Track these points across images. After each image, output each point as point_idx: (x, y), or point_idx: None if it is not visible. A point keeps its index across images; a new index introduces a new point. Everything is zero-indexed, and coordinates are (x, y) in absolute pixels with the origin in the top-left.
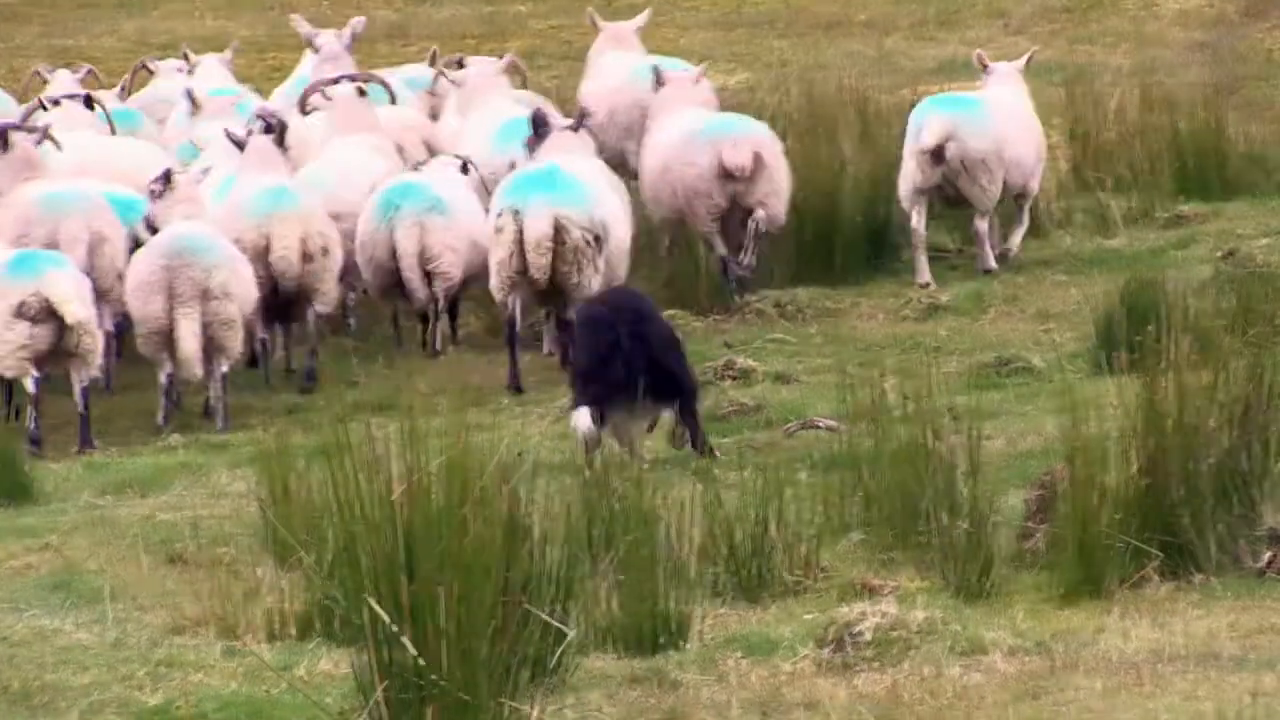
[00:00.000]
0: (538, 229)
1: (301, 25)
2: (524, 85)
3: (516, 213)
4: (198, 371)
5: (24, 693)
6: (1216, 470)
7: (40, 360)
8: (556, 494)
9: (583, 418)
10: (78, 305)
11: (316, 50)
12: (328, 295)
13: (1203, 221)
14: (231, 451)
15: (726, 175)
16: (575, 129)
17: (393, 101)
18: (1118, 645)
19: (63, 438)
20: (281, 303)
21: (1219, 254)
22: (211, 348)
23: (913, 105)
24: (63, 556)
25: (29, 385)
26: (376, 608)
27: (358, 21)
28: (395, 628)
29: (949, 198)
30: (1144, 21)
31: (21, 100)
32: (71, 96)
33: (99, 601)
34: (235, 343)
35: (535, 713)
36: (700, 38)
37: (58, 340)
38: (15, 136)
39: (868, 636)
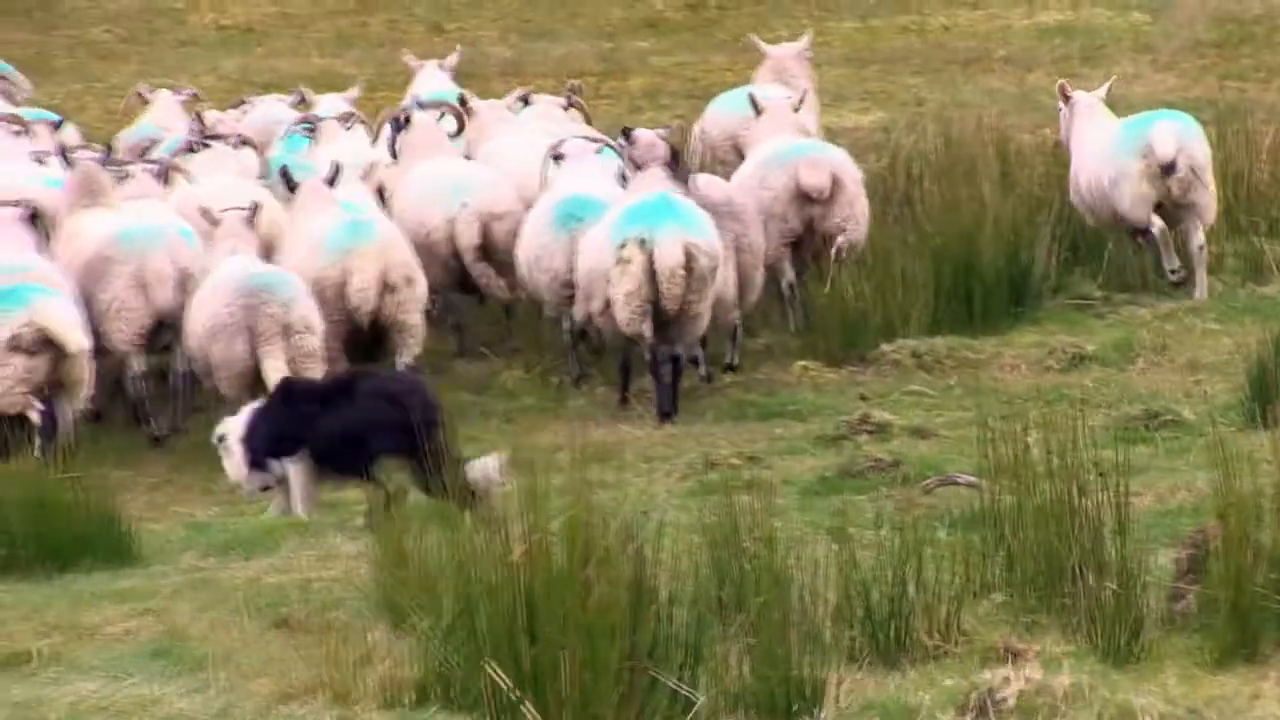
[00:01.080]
0: (672, 257)
1: (411, 60)
2: (588, 121)
3: (644, 242)
4: None
5: None
6: None
7: (38, 391)
8: (684, 553)
9: None
10: (79, 333)
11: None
12: (414, 330)
13: None
14: (341, 510)
15: (803, 197)
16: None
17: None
18: (1274, 713)
19: (163, 497)
20: (365, 342)
21: None
22: None
23: (1056, 143)
24: (164, 621)
25: (34, 418)
26: (497, 673)
27: (453, 56)
28: (516, 694)
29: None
30: None
31: (121, 124)
32: (215, 138)
33: (202, 669)
34: (319, 375)
35: None
36: (832, 75)
37: (54, 370)
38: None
39: (1011, 703)
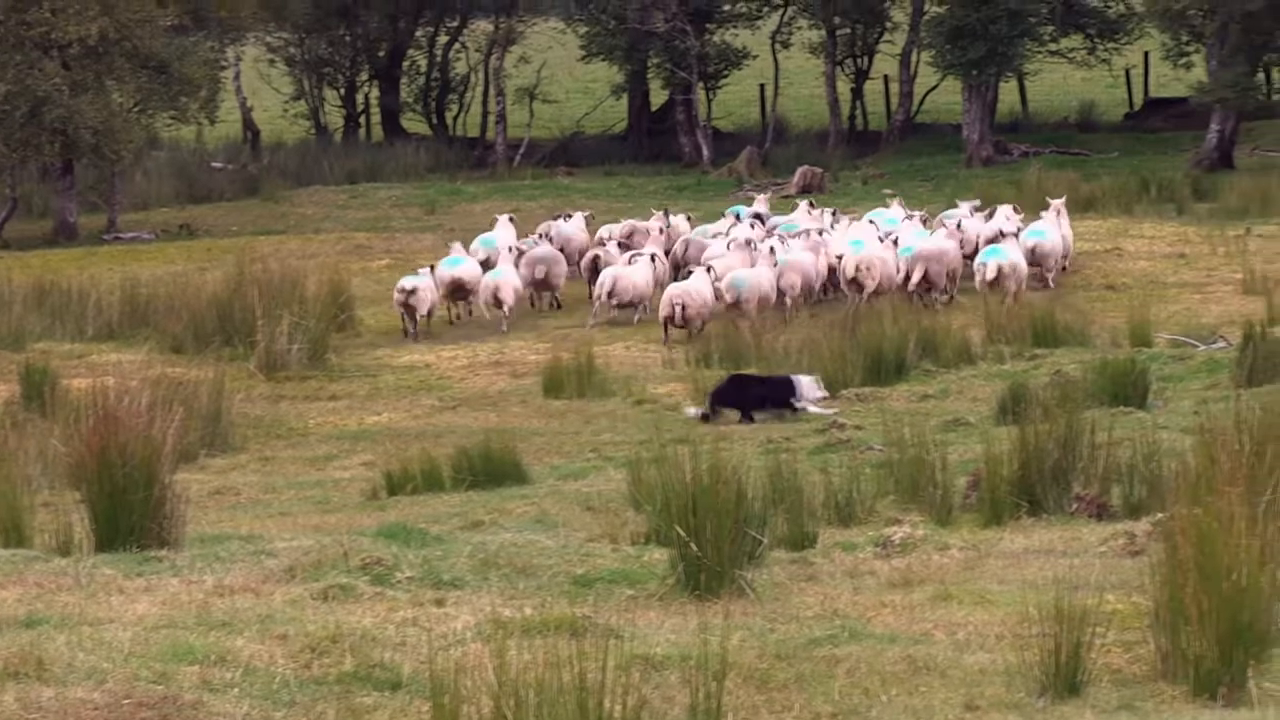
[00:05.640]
0: None
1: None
2: None
3: None
4: None
5: None
6: None
7: None
8: (756, 480)
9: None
10: None
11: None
12: None
13: None
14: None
15: None
16: None
17: None
18: (1009, 542)
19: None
20: None
21: None
22: None
23: None
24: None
25: None
26: (679, 531)
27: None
28: (686, 539)
29: None
30: None
31: None
32: None
33: (556, 528)
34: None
35: None
36: None
37: None
38: None
39: (897, 541)
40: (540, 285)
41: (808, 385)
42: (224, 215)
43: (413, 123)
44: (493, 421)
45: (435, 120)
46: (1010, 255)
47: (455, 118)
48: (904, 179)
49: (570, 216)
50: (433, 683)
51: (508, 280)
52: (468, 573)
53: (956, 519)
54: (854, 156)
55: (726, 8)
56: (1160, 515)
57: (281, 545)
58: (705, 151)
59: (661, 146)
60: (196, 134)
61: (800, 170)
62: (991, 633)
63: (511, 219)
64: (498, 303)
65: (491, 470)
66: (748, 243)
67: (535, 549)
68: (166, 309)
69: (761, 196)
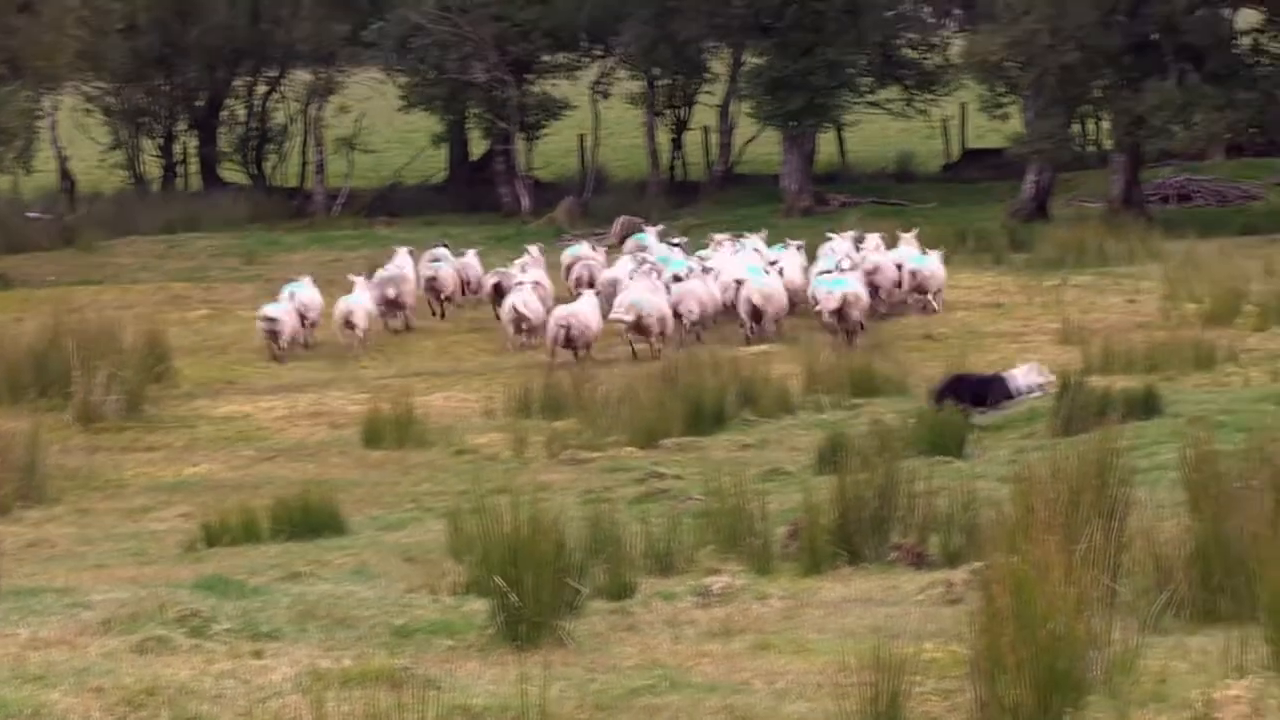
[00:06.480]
0: None
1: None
2: None
3: None
4: None
5: None
6: None
7: None
8: (572, 521)
9: None
10: None
11: None
12: None
13: None
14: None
15: None
16: None
17: None
18: (828, 591)
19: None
20: None
21: None
22: None
23: None
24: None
25: None
26: (500, 581)
27: None
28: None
29: None
30: None
31: None
32: None
33: (377, 577)
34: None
35: None
36: None
37: None
38: None
39: (717, 591)
40: (391, 305)
41: (1023, 376)
42: (40, 265)
43: (232, 172)
44: (311, 472)
45: (254, 170)
46: (853, 286)
47: (274, 167)
48: (724, 229)
49: (464, 253)
50: None
51: (360, 304)
52: (286, 624)
53: (776, 568)
54: (674, 206)
55: (545, 58)
56: (978, 564)
57: (97, 597)
58: (525, 201)
59: (481, 196)
60: (12, 183)
61: (620, 220)
62: (811, 681)
63: (411, 252)
64: (350, 326)
65: (310, 521)
66: (651, 269)
67: (354, 600)
68: None
69: (651, 229)
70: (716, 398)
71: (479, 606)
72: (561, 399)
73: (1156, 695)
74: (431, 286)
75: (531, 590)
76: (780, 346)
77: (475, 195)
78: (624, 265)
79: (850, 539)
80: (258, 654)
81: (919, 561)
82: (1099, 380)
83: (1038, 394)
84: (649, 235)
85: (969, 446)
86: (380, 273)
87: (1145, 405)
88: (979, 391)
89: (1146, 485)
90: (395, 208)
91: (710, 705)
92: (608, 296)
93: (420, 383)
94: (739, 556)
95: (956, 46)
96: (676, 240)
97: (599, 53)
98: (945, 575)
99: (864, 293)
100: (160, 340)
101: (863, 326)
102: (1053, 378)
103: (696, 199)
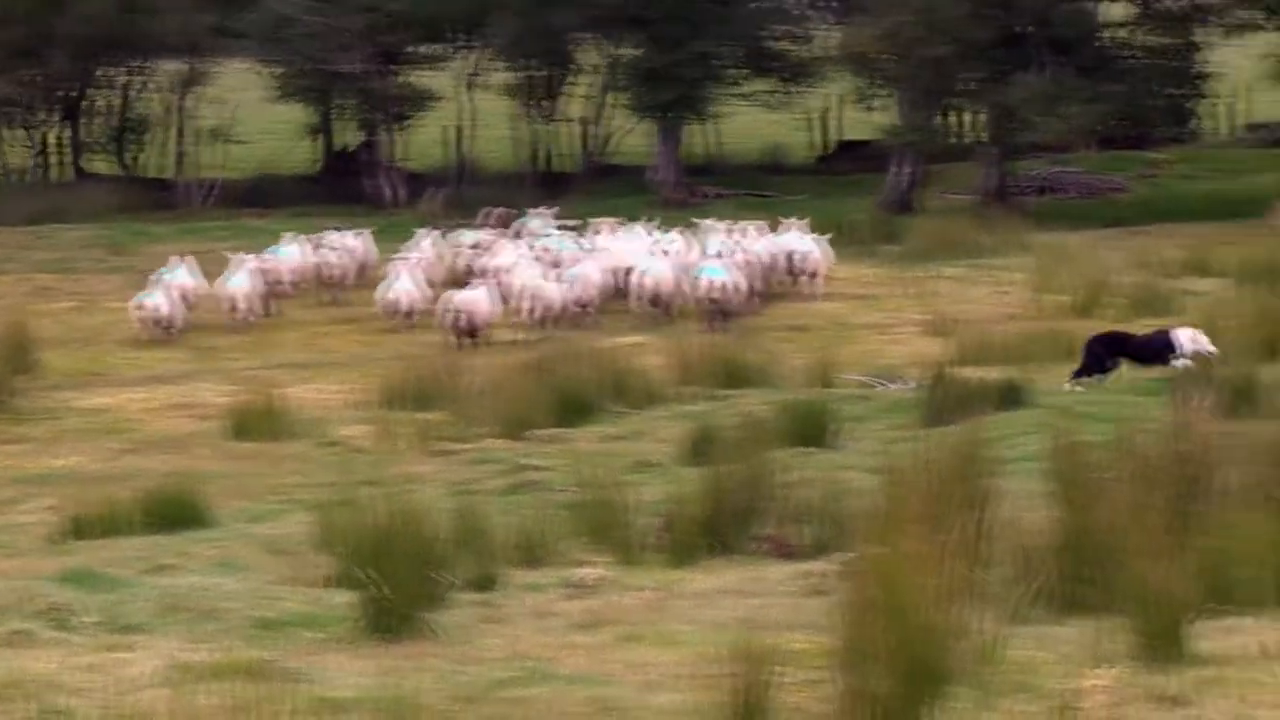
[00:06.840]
0: None
1: None
2: None
3: None
4: None
5: None
6: None
7: None
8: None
9: None
10: None
11: None
12: None
13: None
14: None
15: None
16: None
17: None
18: (691, 585)
19: None
20: None
21: None
22: None
23: None
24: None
25: None
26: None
27: None
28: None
29: None
30: None
31: None
32: None
33: (249, 569)
34: None
35: None
36: None
37: None
38: None
39: (590, 582)
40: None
41: (1187, 339)
42: None
43: (101, 163)
44: (178, 465)
45: (123, 161)
46: (729, 274)
47: (144, 159)
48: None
49: (361, 234)
50: None
51: (241, 288)
52: (151, 617)
53: (645, 560)
54: (546, 198)
55: (410, 49)
56: (846, 554)
57: None
58: (396, 192)
59: (352, 187)
60: None
61: (492, 211)
62: (678, 673)
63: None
64: (234, 309)
65: (177, 514)
66: (545, 254)
67: (220, 593)
68: None
69: (543, 210)
70: (586, 389)
71: (346, 599)
72: (431, 390)
73: (1021, 685)
74: (325, 272)
75: (399, 583)
76: (652, 337)
77: (346, 187)
78: (513, 251)
79: (719, 530)
80: (122, 647)
81: (787, 553)
82: (968, 371)
83: (1202, 357)
84: (537, 220)
85: (838, 438)
86: (261, 259)
87: (1012, 396)
88: (1143, 349)
89: (1014, 476)
90: (266, 199)
91: (577, 697)
92: (499, 283)
93: (288, 374)
94: (608, 548)
95: (835, 39)
96: (572, 224)
97: (467, 44)
98: (812, 566)
99: (742, 281)
100: (26, 332)
101: (738, 314)
102: (1214, 348)
103: (569, 190)
